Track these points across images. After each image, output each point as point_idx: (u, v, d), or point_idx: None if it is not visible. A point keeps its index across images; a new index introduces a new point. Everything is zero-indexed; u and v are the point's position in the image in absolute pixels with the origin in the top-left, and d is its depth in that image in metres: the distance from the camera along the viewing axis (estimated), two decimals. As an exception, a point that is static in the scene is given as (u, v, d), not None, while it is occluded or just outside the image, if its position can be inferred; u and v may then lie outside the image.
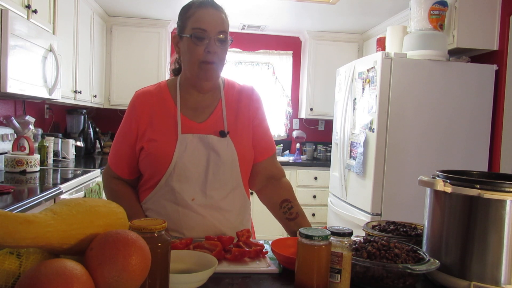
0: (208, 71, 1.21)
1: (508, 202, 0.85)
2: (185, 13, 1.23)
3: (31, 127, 2.89)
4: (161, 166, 1.21)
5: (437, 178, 0.97)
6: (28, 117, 2.88)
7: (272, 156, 1.38)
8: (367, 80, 2.76)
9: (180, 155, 1.20)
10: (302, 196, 4.05)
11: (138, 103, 1.28)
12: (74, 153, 3.45)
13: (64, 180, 2.37)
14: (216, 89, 1.31)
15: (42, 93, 2.45)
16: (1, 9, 1.98)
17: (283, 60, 4.69)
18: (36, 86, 2.36)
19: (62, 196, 2.13)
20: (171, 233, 1.23)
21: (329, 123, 4.67)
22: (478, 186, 0.88)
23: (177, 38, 1.26)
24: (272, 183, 1.38)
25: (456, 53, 2.88)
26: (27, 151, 2.58)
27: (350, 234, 0.86)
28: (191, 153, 1.21)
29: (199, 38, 1.18)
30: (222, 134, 1.24)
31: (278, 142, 4.70)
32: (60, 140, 3.25)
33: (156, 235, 0.75)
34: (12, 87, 2.07)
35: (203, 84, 1.25)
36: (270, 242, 1.14)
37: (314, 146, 4.63)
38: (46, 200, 1.89)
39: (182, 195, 1.21)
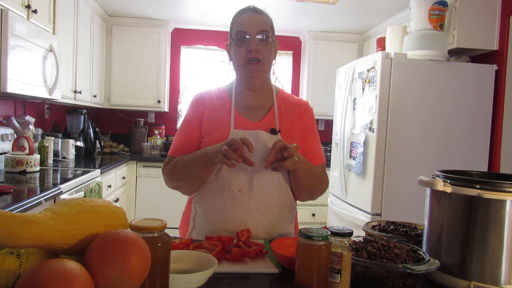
0: (253, 69, 1.30)
1: (508, 202, 0.85)
2: (231, 22, 1.35)
3: (31, 127, 2.89)
4: None
5: (437, 178, 0.97)
6: (28, 117, 2.88)
7: (319, 165, 1.38)
8: (367, 80, 2.76)
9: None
10: (307, 200, 4.05)
11: (200, 99, 1.38)
12: (74, 153, 3.45)
13: (64, 180, 2.37)
14: (268, 92, 1.39)
15: (42, 93, 2.45)
16: (1, 9, 1.98)
17: (283, 60, 4.69)
18: (36, 86, 2.36)
19: (62, 196, 2.13)
20: (217, 224, 1.29)
21: (329, 123, 4.67)
22: (478, 186, 0.88)
23: (228, 46, 1.37)
24: None
25: (456, 53, 2.88)
26: (27, 151, 2.58)
27: (350, 234, 0.86)
28: None
29: (240, 39, 1.29)
30: (273, 131, 1.32)
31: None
32: (60, 140, 3.25)
33: (156, 235, 0.75)
34: (12, 87, 2.07)
35: (251, 81, 1.34)
36: (270, 242, 1.14)
37: (314, 146, 4.63)
38: (46, 200, 1.89)
39: (230, 186, 1.27)
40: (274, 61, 1.37)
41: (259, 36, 1.28)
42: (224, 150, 1.10)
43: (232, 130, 1.29)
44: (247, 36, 1.28)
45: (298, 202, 1.45)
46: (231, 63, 1.38)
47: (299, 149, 1.34)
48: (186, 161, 1.28)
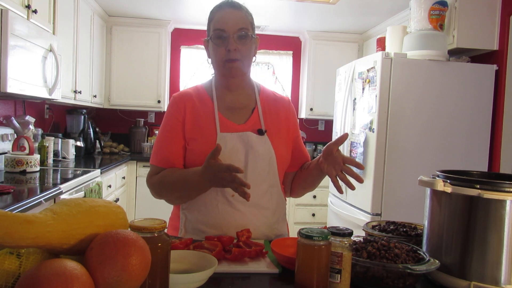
0: (232, 68, 1.25)
1: (508, 202, 0.85)
2: (209, 18, 1.29)
3: (31, 127, 2.89)
4: (202, 163, 1.20)
5: (437, 178, 0.97)
6: (28, 117, 2.88)
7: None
8: (367, 80, 2.76)
9: (220, 153, 1.21)
10: (301, 196, 4.05)
11: (180, 102, 1.31)
12: (74, 153, 3.45)
13: (64, 180, 2.37)
14: (249, 91, 1.35)
15: (42, 93, 2.45)
16: (1, 9, 1.98)
17: (283, 60, 4.69)
18: (36, 86, 2.36)
19: (62, 196, 2.13)
20: (209, 230, 1.25)
21: (329, 123, 4.67)
22: (478, 186, 0.88)
23: (206, 43, 1.31)
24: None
25: (456, 53, 2.88)
26: (27, 151, 2.58)
27: (350, 234, 0.86)
28: (231, 151, 1.23)
29: (219, 38, 1.23)
30: (260, 132, 1.27)
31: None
32: (60, 140, 3.25)
33: (156, 235, 0.75)
34: (12, 87, 2.07)
35: (230, 81, 1.30)
36: (270, 242, 1.14)
37: (314, 146, 4.63)
38: (46, 200, 1.89)
39: (223, 191, 1.23)
40: (254, 57, 1.32)
41: (238, 35, 1.22)
42: (232, 180, 1.06)
43: (219, 133, 1.24)
44: (225, 35, 1.22)
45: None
46: (209, 60, 1.32)
47: (288, 148, 1.35)
48: (177, 181, 1.22)
